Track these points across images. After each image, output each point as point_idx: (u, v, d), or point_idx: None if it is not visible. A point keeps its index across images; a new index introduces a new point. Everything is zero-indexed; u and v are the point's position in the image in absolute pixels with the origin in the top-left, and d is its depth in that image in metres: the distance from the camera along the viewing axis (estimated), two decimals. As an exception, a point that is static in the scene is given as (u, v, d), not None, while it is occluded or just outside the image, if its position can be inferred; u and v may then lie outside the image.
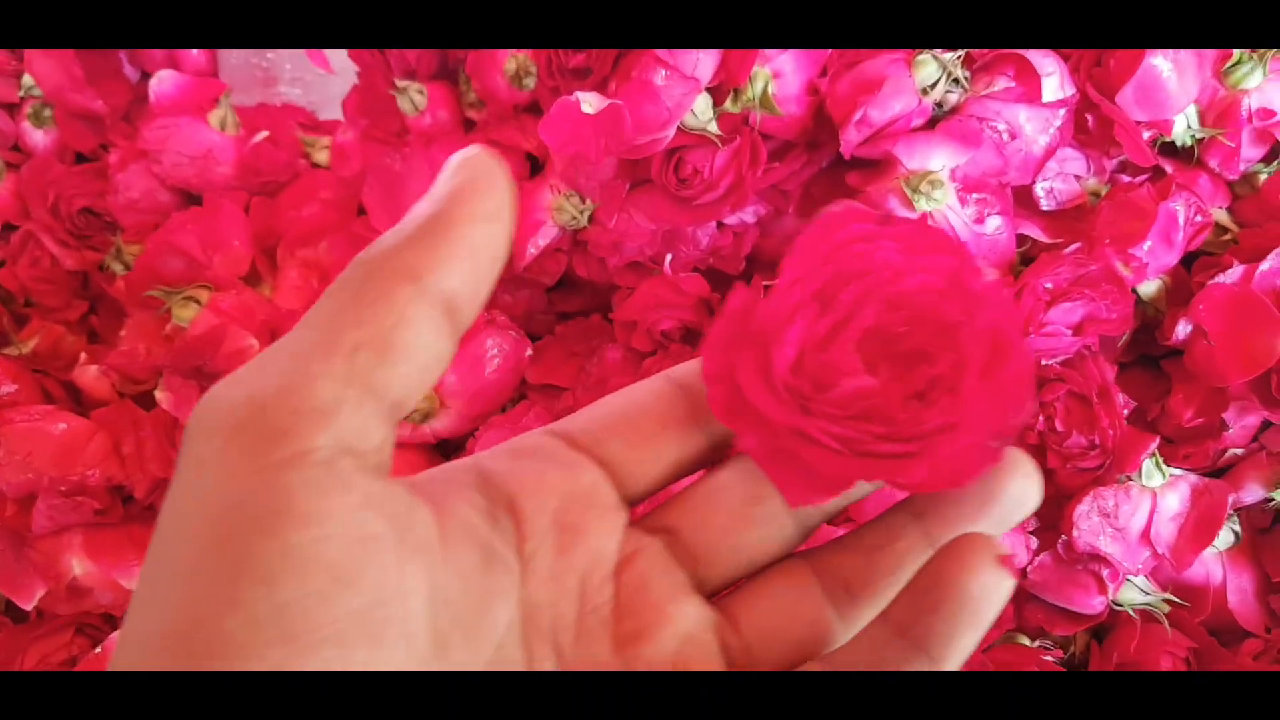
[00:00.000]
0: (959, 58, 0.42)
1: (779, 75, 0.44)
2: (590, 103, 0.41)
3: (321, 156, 0.52)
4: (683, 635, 0.22)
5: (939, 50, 0.41)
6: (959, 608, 0.19)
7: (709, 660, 0.22)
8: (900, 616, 0.20)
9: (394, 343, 0.18)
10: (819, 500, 0.21)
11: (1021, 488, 0.21)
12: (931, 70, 0.40)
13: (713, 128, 0.44)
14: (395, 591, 0.18)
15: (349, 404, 0.18)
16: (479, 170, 0.19)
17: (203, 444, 0.17)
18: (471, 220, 0.19)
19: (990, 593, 0.19)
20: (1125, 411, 0.42)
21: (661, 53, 0.42)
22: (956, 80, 0.41)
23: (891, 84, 0.40)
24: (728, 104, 0.44)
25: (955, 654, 0.20)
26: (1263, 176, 0.45)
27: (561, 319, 0.52)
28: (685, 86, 0.42)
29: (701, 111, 0.44)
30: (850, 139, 0.41)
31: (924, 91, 0.41)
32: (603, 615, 0.22)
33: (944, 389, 0.20)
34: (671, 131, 0.43)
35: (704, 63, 0.43)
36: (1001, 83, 0.42)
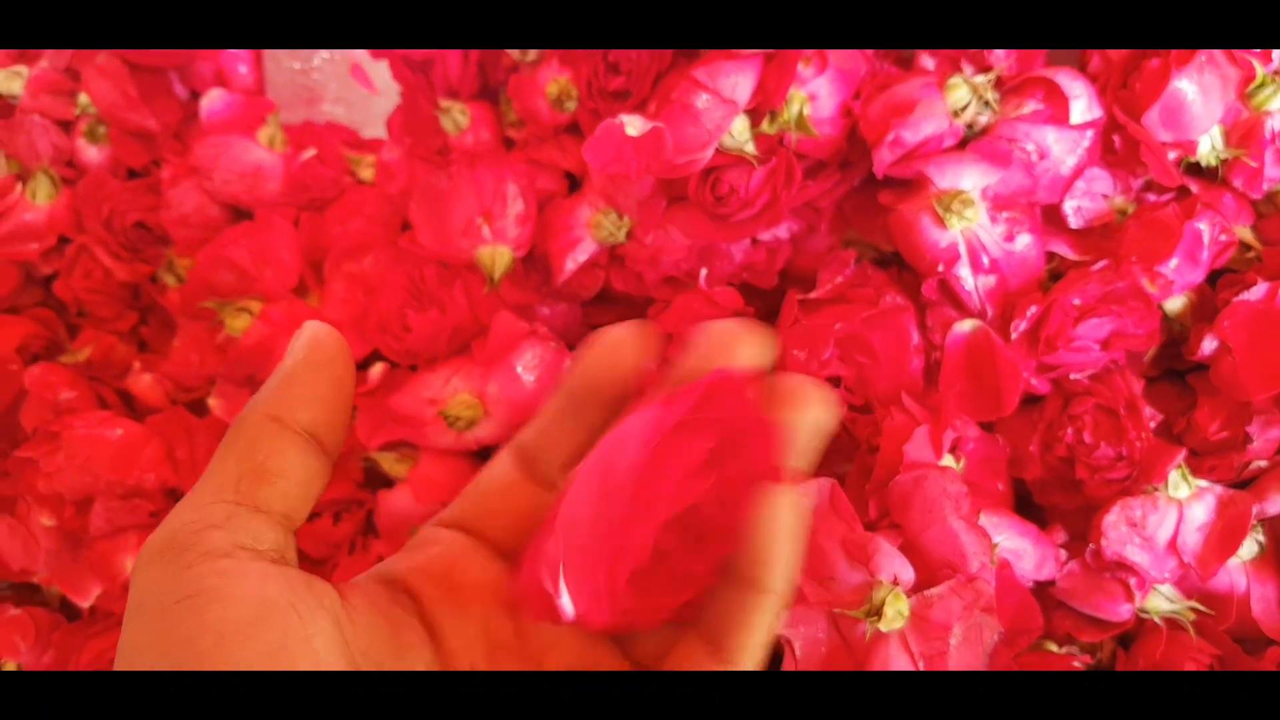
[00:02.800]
0: (990, 80, 0.43)
1: (814, 98, 0.45)
2: (634, 126, 0.42)
3: (366, 174, 0.53)
4: (581, 642, 0.27)
5: (970, 74, 0.43)
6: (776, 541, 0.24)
7: (611, 660, 0.27)
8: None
9: (268, 469, 0.24)
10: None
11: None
12: (963, 93, 0.42)
13: (749, 148, 0.45)
14: (300, 636, 0.22)
15: (238, 517, 0.23)
16: (319, 334, 0.26)
17: (141, 572, 0.23)
18: (314, 369, 0.25)
19: (790, 516, 0.24)
20: (1152, 424, 0.43)
21: (700, 75, 0.44)
22: (987, 103, 0.43)
23: (924, 106, 0.41)
24: (764, 125, 0.45)
25: (784, 580, 0.24)
26: (1285, 196, 0.47)
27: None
28: (724, 109, 0.44)
29: (739, 132, 0.45)
30: (883, 159, 0.43)
31: (955, 114, 0.42)
32: (510, 646, 0.26)
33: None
34: (710, 152, 0.44)
35: (741, 85, 0.44)
36: (1031, 105, 0.44)
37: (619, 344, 0.27)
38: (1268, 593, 0.43)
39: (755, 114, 0.45)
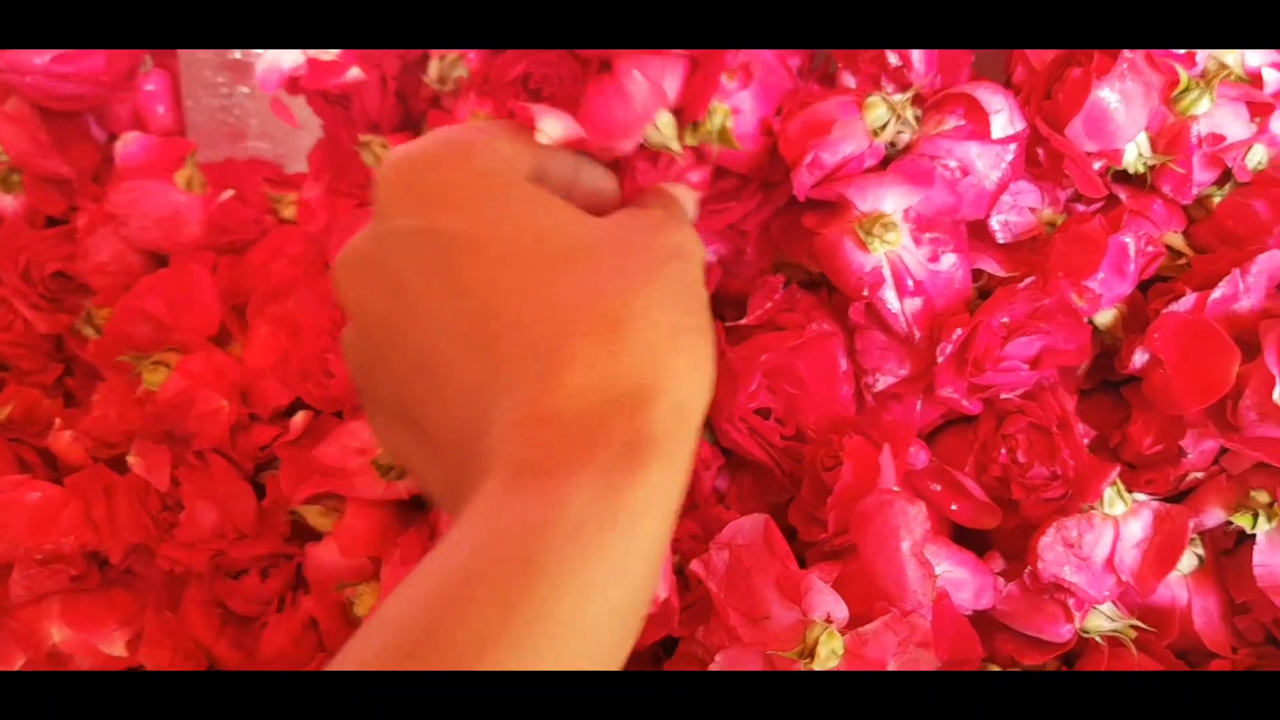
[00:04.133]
0: (908, 98, 0.42)
1: (737, 111, 0.44)
2: (548, 133, 0.41)
3: (289, 212, 0.52)
4: None
5: (891, 92, 0.42)
6: None
7: None
8: None
9: None
10: None
11: None
12: (881, 112, 0.41)
13: (675, 145, 0.43)
14: None
15: None
16: None
17: None
18: None
19: None
20: (1086, 440, 0.43)
21: (633, 61, 0.42)
22: (907, 121, 0.42)
23: (841, 126, 0.40)
24: (687, 136, 0.44)
25: None
26: (1216, 199, 0.46)
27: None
28: (654, 95, 0.42)
29: (665, 126, 0.44)
30: (803, 181, 0.42)
31: (874, 133, 0.41)
32: None
33: None
34: (635, 140, 0.43)
35: (670, 81, 0.43)
36: (951, 121, 0.43)
37: None
38: (1209, 605, 0.43)
39: (679, 122, 0.44)
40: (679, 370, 0.28)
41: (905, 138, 0.43)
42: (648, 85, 0.42)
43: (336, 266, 0.30)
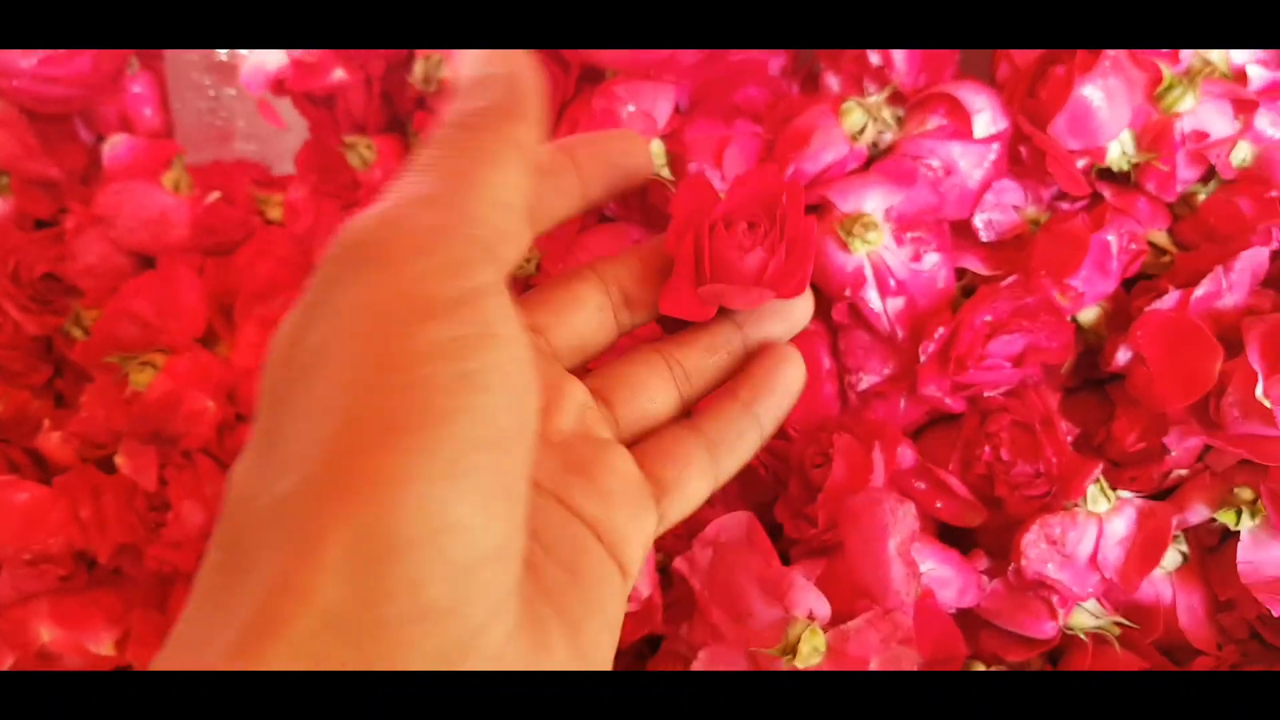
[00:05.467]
0: (883, 99, 0.42)
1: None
2: None
3: (276, 213, 0.52)
4: (579, 404, 0.29)
5: (869, 94, 0.42)
6: (782, 389, 0.32)
7: (600, 426, 0.30)
8: (746, 396, 0.31)
9: None
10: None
11: (802, 308, 0.33)
12: (858, 117, 0.41)
13: (666, 173, 0.44)
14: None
15: None
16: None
17: None
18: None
19: (797, 379, 0.32)
20: (1070, 438, 0.43)
21: (621, 90, 0.43)
22: (885, 122, 0.42)
23: (820, 135, 0.40)
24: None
25: (775, 420, 0.32)
26: (1201, 197, 0.46)
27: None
28: (646, 124, 0.43)
29: (657, 155, 0.44)
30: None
31: (854, 137, 0.41)
32: None
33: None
34: None
35: (661, 107, 0.43)
36: (934, 121, 0.43)
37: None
38: (1194, 603, 0.43)
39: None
40: None
41: (888, 138, 0.43)
42: (641, 115, 0.42)
43: None
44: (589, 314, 0.31)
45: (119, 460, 0.46)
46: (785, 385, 0.32)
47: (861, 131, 0.41)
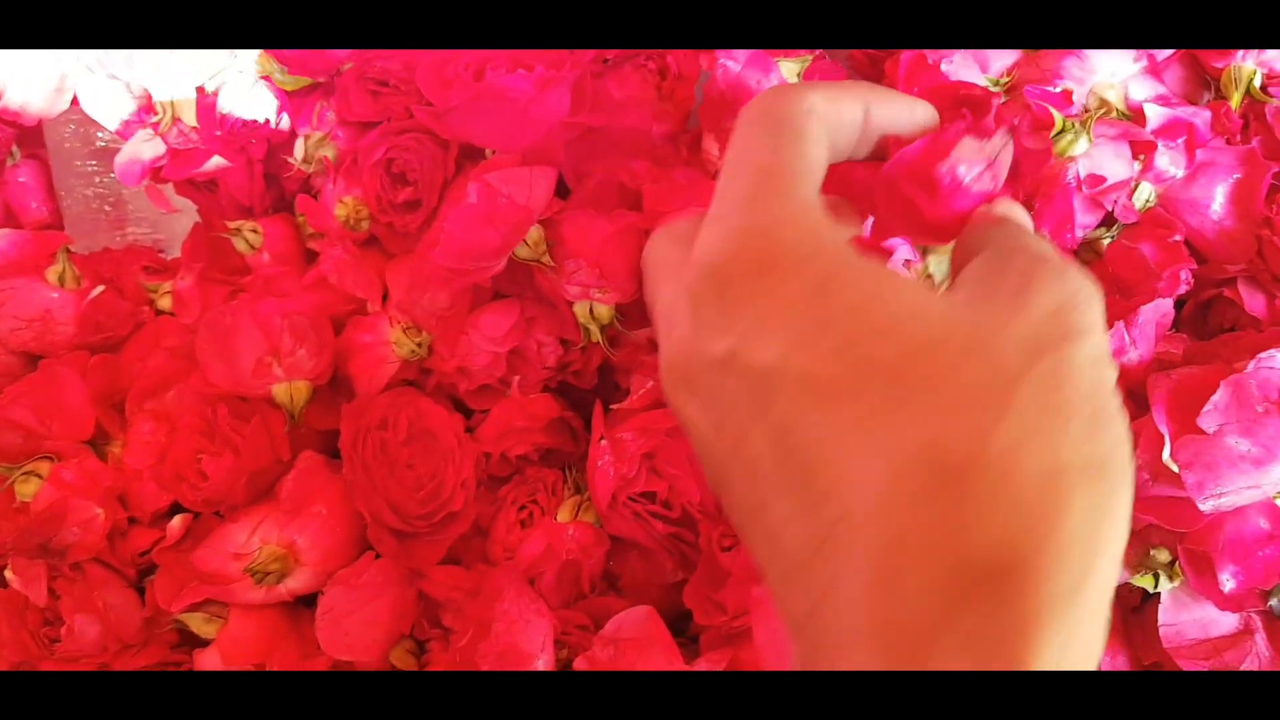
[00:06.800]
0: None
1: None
2: None
3: (165, 302, 0.50)
4: None
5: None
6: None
7: None
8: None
9: None
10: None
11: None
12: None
13: (547, 259, 0.43)
14: None
15: None
16: None
17: None
18: None
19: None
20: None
21: (495, 180, 0.41)
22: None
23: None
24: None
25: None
26: (1105, 242, 0.45)
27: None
28: (521, 214, 0.41)
29: (535, 243, 0.43)
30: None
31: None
32: None
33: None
34: (502, 262, 0.42)
35: (538, 189, 0.42)
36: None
37: None
38: (1119, 665, 0.41)
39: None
40: (1065, 536, 0.20)
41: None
42: (510, 205, 0.41)
43: (664, 374, 0.26)
44: None
45: (8, 575, 0.44)
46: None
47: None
